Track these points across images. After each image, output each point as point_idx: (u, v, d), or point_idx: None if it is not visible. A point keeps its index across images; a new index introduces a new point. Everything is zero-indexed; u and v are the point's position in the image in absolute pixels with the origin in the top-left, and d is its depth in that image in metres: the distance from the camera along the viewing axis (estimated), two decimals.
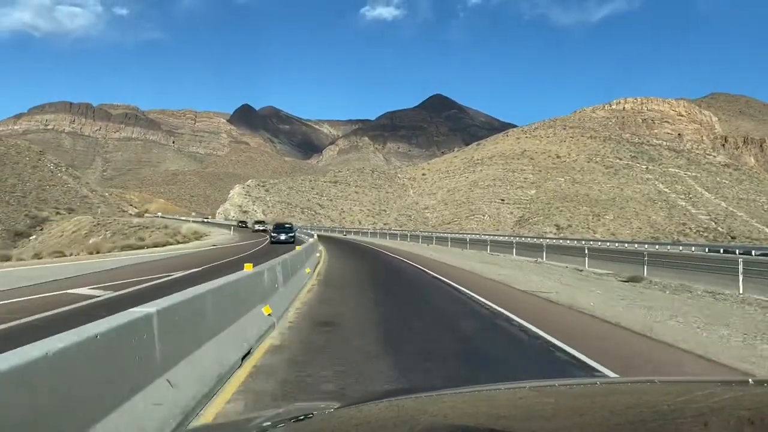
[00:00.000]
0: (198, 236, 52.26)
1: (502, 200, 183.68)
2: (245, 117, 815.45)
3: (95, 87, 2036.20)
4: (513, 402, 2.03)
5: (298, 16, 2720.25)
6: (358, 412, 1.92)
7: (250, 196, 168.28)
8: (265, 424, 1.77)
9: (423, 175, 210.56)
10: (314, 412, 1.89)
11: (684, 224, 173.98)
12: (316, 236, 38.55)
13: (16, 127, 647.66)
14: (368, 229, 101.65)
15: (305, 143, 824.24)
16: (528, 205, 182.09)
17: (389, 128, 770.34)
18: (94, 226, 62.99)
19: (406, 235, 68.69)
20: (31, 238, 73.35)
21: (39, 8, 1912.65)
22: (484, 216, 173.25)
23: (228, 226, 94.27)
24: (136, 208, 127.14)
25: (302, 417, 1.82)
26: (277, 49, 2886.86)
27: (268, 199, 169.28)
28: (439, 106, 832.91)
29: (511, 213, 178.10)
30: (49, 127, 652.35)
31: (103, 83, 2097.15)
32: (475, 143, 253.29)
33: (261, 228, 79.60)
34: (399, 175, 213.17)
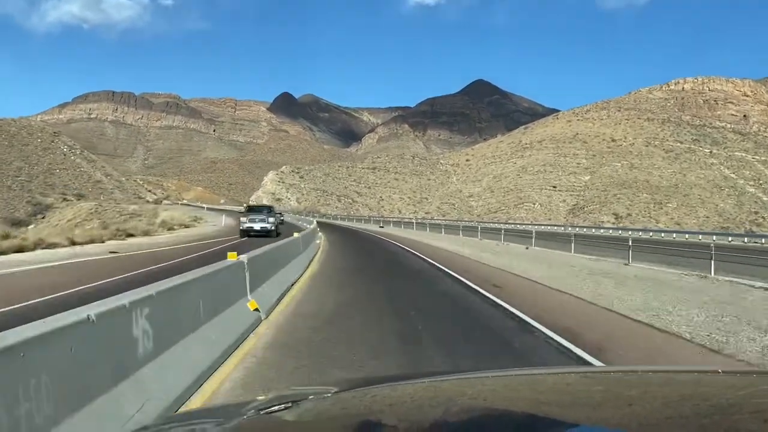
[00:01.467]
0: (167, 227, 42.37)
1: (554, 187, 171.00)
2: (285, 105, 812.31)
3: (137, 76, 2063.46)
4: (557, 387, 1.92)
5: (339, 3, 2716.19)
6: (355, 397, 1.86)
7: (283, 183, 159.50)
8: (260, 408, 1.72)
9: (467, 160, 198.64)
10: (311, 396, 1.84)
11: (756, 213, 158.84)
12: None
13: (60, 116, 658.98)
14: (411, 219, 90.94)
15: (345, 131, 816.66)
16: (582, 192, 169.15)
17: (429, 115, 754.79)
18: (90, 213, 55.07)
19: (475, 229, 45.48)
20: (29, 227, 64.03)
21: (87, 0, 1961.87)
22: (534, 204, 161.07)
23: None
24: (155, 194, 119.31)
25: (299, 401, 1.76)
26: (318, 37, 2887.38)
27: (302, 186, 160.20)
28: (481, 92, 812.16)
29: (564, 201, 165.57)
30: (92, 116, 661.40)
31: (146, 73, 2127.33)
32: (523, 127, 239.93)
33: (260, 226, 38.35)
34: (441, 162, 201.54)
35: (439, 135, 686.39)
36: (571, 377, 2.08)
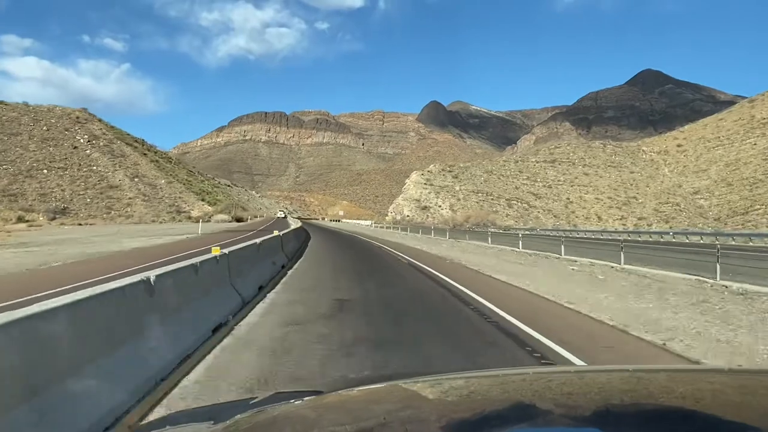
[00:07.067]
0: None
1: None
2: (434, 114, 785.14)
3: (289, 97, 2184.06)
4: (548, 386, 1.89)
5: (490, 8, 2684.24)
6: (346, 398, 1.87)
7: (431, 185, 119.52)
8: (252, 408, 1.74)
9: (678, 146, 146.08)
10: (302, 398, 1.85)
11: None
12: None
13: (218, 140, 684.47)
14: (618, 231, 46.71)
15: (497, 136, 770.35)
16: None
17: (593, 110, 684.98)
18: None
19: None
20: None
21: (251, 32, 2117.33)
22: None
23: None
24: (209, 204, 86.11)
25: (290, 402, 1.79)
26: (468, 45, 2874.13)
27: (457, 188, 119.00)
28: (651, 82, 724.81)
29: None
30: (247, 137, 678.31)
31: (297, 94, 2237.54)
32: (747, 99, 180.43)
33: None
34: (643, 149, 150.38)
35: (605, 131, 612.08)
36: (561, 377, 2.06)
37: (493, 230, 48.61)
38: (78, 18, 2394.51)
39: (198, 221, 53.42)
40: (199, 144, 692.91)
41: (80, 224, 52.48)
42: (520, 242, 30.65)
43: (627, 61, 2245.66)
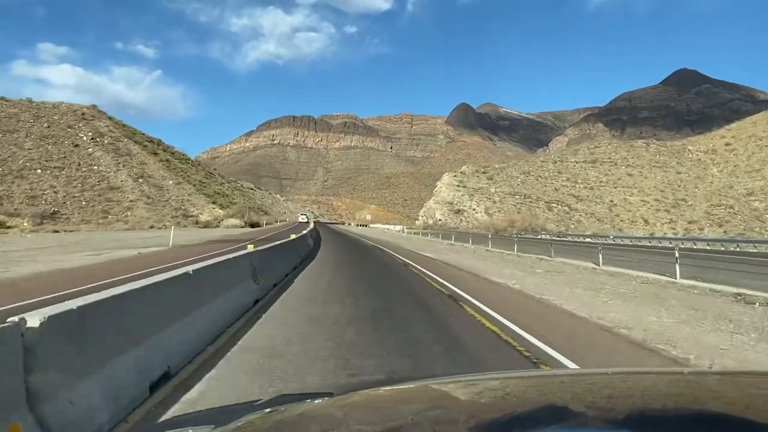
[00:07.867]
0: None
1: None
2: (463, 116, 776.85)
3: (317, 101, 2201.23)
4: (552, 389, 1.89)
5: (519, 9, 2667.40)
6: (353, 400, 1.85)
7: (465, 187, 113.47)
8: (258, 411, 1.71)
9: (726, 144, 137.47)
10: (308, 400, 1.85)
11: None
12: None
13: (247, 144, 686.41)
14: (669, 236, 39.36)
15: (528, 138, 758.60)
16: None
17: (627, 111, 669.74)
18: None
19: None
20: None
21: (281, 37, 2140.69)
22: None
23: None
24: (221, 207, 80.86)
25: (296, 404, 1.79)
26: (497, 45, 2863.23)
27: (492, 190, 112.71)
28: (687, 82, 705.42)
29: None
30: (275, 141, 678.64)
31: (325, 97, 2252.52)
32: None
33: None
34: (689, 148, 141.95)
35: (640, 132, 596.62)
36: (564, 379, 2.05)
37: (587, 240, 41.93)
38: (111, 25, 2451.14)
39: (171, 229, 47.43)
40: (228, 149, 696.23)
41: (56, 231, 48.10)
42: (678, 268, 16.57)
43: (662, 60, 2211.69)
